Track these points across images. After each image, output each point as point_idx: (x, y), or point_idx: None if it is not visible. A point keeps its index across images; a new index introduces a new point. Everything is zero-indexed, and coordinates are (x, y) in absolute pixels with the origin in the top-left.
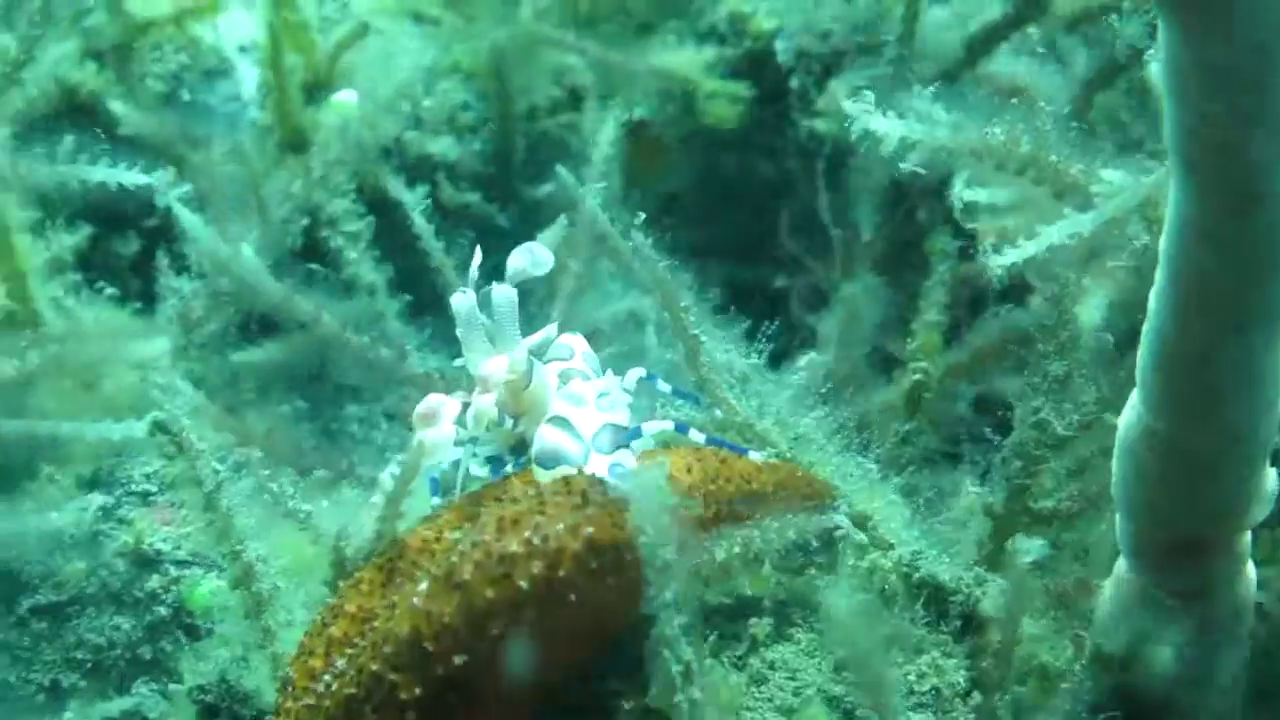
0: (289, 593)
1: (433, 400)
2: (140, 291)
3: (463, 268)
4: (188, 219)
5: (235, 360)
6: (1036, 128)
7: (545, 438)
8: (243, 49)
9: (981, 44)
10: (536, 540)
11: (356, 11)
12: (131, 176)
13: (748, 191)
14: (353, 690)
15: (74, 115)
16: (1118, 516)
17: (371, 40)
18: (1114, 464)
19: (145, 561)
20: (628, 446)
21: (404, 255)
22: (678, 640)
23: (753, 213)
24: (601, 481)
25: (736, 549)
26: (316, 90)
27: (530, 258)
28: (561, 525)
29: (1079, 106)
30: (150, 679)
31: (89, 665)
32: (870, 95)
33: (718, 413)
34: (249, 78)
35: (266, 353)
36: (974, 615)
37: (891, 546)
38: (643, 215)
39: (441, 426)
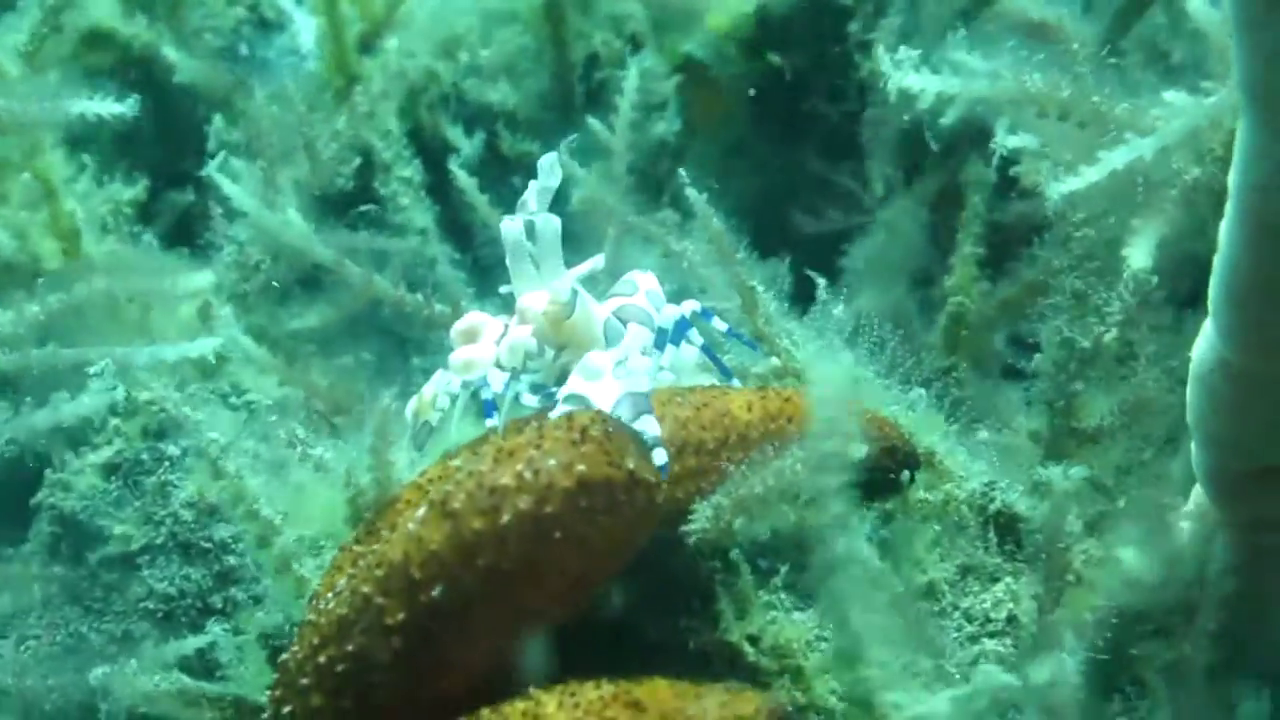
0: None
1: (473, 318)
2: (196, 243)
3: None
4: (230, 189)
5: (293, 326)
6: (1075, 70)
7: None
8: (299, 1)
9: None
10: (528, 474)
11: None
12: (106, 106)
13: (810, 134)
14: (345, 611)
15: (128, 67)
16: (1193, 446)
17: None
18: (1188, 393)
19: (213, 510)
20: (650, 413)
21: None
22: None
23: (815, 155)
24: (605, 418)
25: (771, 480)
26: (374, 40)
27: (544, 171)
28: (554, 461)
29: (1111, 39)
30: (217, 617)
31: (160, 615)
32: (912, 53)
33: (775, 360)
34: (306, 30)
35: (322, 316)
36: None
37: (961, 479)
38: (683, 173)
39: (480, 345)
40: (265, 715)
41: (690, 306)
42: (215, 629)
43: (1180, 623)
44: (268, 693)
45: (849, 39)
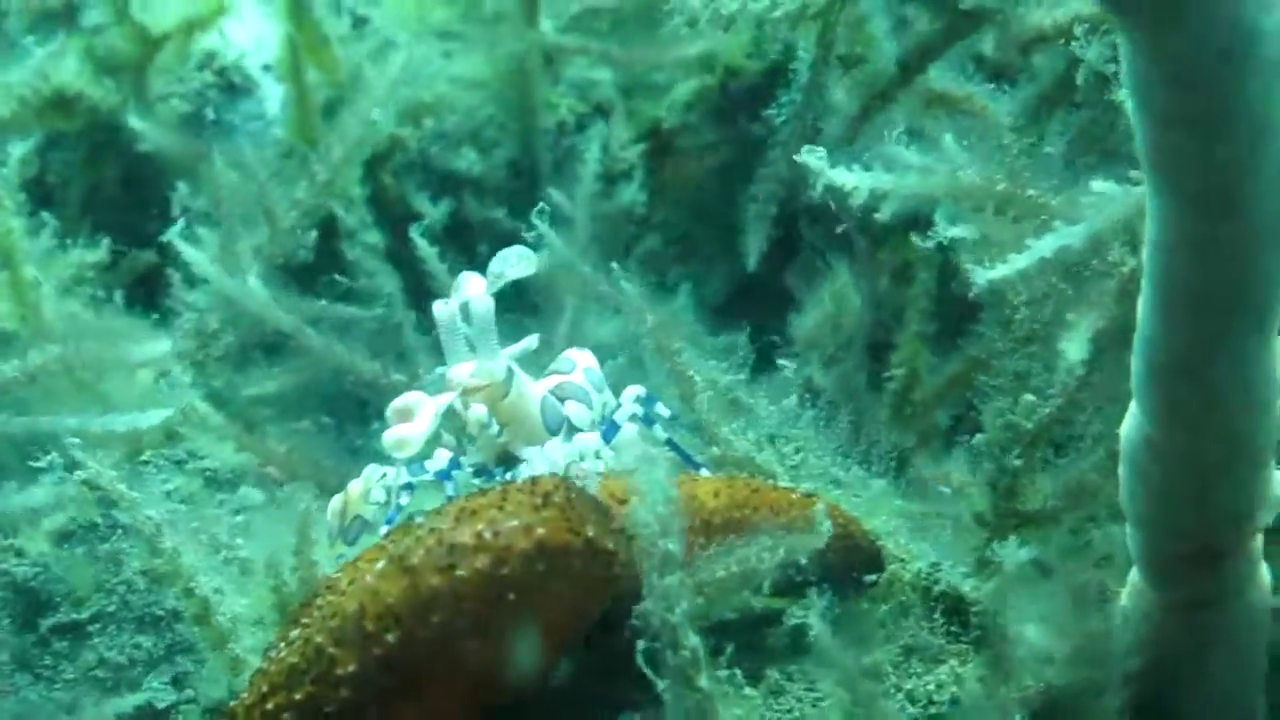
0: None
1: (410, 397)
2: (159, 307)
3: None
4: (192, 254)
5: (250, 393)
6: (1008, 162)
7: None
8: (267, 68)
9: (916, 59)
10: (488, 535)
11: (379, 28)
12: None
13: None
14: (295, 660)
15: (95, 131)
16: (1128, 526)
17: (395, 56)
18: (1120, 474)
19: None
20: None
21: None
22: (682, 628)
23: (777, 221)
24: (569, 485)
25: (734, 568)
26: (339, 106)
27: (508, 262)
28: (515, 523)
29: (1033, 122)
30: (161, 675)
31: (110, 683)
32: (823, 150)
33: (715, 449)
34: (273, 96)
35: (279, 383)
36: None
37: (904, 561)
38: (615, 265)
39: (414, 424)
40: None
41: (633, 392)
42: (154, 683)
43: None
44: None
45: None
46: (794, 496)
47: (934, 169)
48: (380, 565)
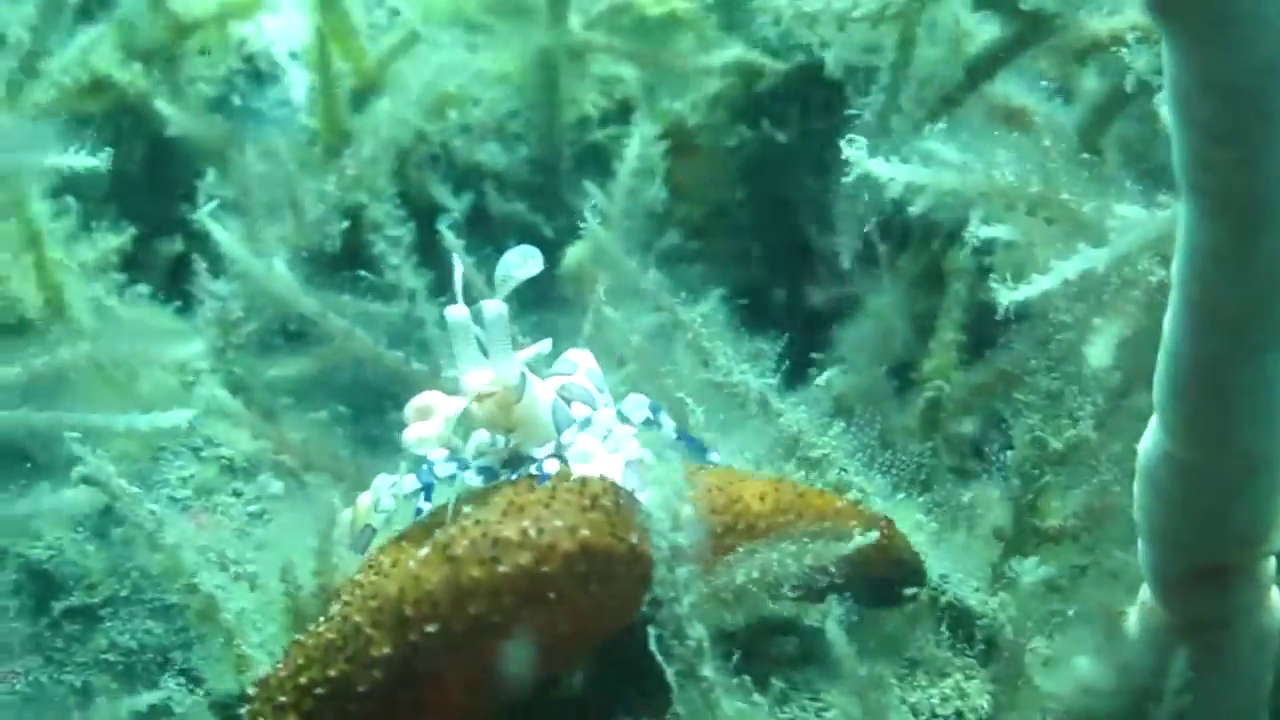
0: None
1: (427, 396)
2: (182, 293)
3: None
4: (220, 234)
5: (271, 375)
6: (1046, 165)
7: None
8: (294, 55)
9: (982, 67)
10: (533, 532)
11: (406, 19)
12: (79, 160)
13: (794, 204)
14: (333, 636)
15: (122, 115)
16: (1140, 543)
17: (421, 47)
18: (1135, 490)
19: None
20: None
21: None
22: (689, 619)
23: (796, 226)
24: (618, 490)
25: (755, 574)
26: (365, 96)
27: (515, 264)
28: (560, 522)
29: (1088, 134)
30: (174, 670)
31: (120, 668)
32: (863, 140)
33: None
34: (299, 83)
35: (300, 366)
36: (999, 639)
37: None
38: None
39: (431, 422)
40: None
41: (636, 400)
42: (170, 684)
43: None
44: (244, 708)
45: (837, 114)
46: (840, 504)
47: (971, 167)
48: (424, 552)
